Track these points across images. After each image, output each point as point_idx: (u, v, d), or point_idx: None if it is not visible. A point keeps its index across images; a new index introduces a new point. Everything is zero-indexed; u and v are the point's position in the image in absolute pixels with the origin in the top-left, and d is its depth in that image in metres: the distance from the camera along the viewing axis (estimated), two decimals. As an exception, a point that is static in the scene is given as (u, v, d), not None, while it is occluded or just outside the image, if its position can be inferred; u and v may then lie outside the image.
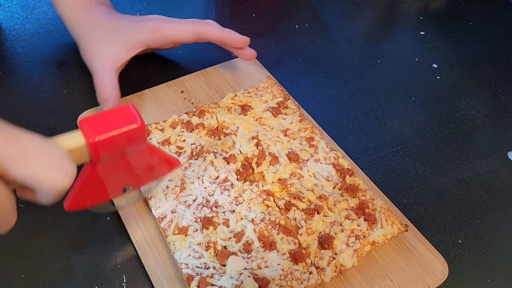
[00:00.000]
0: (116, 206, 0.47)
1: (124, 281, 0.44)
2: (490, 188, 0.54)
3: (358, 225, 0.47)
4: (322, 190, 0.50)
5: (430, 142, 0.58)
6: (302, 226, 0.46)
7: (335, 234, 0.46)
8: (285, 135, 0.55)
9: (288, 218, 0.47)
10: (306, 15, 0.78)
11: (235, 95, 0.59)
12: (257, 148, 0.52)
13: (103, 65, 0.56)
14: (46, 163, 0.31)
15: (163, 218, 0.46)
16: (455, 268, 0.47)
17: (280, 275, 0.43)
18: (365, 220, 0.47)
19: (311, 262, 0.44)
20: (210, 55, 0.66)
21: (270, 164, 0.51)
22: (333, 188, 0.50)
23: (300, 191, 0.50)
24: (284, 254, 0.44)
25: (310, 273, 0.43)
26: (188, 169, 0.50)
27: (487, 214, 0.52)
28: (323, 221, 0.47)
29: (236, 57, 0.64)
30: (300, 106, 0.59)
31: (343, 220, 0.47)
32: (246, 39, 0.60)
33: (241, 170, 0.50)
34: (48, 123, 0.57)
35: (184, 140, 0.53)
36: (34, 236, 0.47)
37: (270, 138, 0.54)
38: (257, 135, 0.54)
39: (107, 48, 0.57)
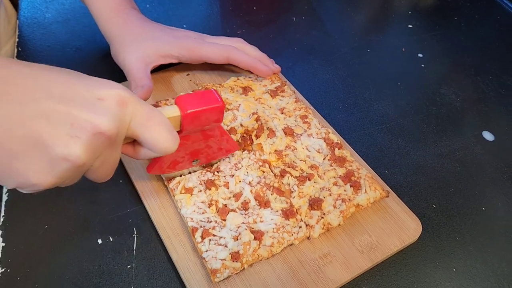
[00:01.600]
0: None
1: (135, 233, 0.50)
2: (465, 162, 0.60)
3: (345, 191, 0.52)
4: (314, 161, 0.56)
5: (412, 122, 0.64)
6: (295, 191, 0.52)
7: (324, 197, 0.52)
8: (282, 113, 0.61)
9: (282, 183, 0.53)
10: (303, 9, 0.84)
11: (238, 79, 0.65)
12: (257, 123, 0.58)
13: (137, 63, 0.59)
14: (165, 130, 0.40)
15: (171, 180, 0.52)
16: (428, 228, 0.53)
17: (273, 229, 0.49)
18: (351, 186, 0.53)
19: (301, 218, 0.50)
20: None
21: (268, 137, 0.57)
22: (323, 159, 0.56)
23: (293, 161, 0.55)
24: (277, 211, 0.50)
25: (300, 227, 0.49)
26: (192, 140, 0.56)
27: (460, 184, 0.57)
28: (313, 186, 0.53)
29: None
30: (295, 91, 0.65)
31: (331, 186, 0.53)
32: (271, 71, 0.64)
33: (240, 141, 0.56)
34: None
35: (189, 115, 0.59)
36: (56, 194, 0.53)
37: (268, 115, 0.60)
38: (257, 112, 0.60)
39: (141, 48, 0.60)
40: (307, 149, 0.57)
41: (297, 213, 0.50)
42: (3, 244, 0.48)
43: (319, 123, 0.60)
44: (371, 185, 0.53)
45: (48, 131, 0.33)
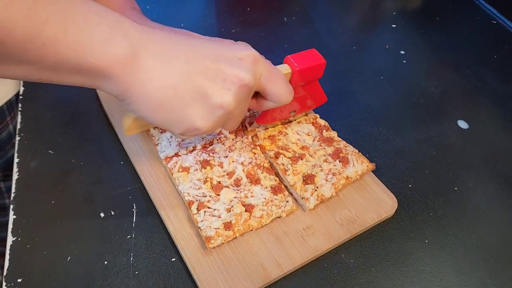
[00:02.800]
0: None
1: (134, 208, 0.55)
2: (440, 147, 0.65)
3: (334, 166, 0.57)
4: (304, 142, 0.60)
5: (393, 111, 0.69)
6: (289, 169, 0.57)
7: (316, 173, 0.56)
8: None
9: (277, 163, 0.57)
10: (294, 10, 0.89)
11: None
12: (249, 111, 0.63)
13: None
14: (284, 83, 0.49)
15: (169, 160, 0.57)
16: (404, 205, 0.57)
17: (263, 202, 0.53)
18: (340, 161, 0.57)
19: (288, 194, 0.55)
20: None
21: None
22: (313, 141, 0.61)
23: (286, 144, 0.60)
24: (266, 187, 0.55)
25: (287, 201, 0.54)
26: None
27: (435, 166, 0.62)
28: (305, 164, 0.57)
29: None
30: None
31: (322, 163, 0.57)
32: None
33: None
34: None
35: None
36: (62, 174, 0.58)
37: None
38: None
39: None
40: (297, 133, 0.61)
41: (286, 189, 0.55)
42: (14, 217, 0.53)
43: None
44: (358, 159, 0.58)
45: (208, 84, 0.42)
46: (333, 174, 0.56)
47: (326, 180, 0.56)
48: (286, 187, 0.57)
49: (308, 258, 0.51)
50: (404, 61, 0.79)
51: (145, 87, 0.41)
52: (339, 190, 0.56)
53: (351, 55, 0.79)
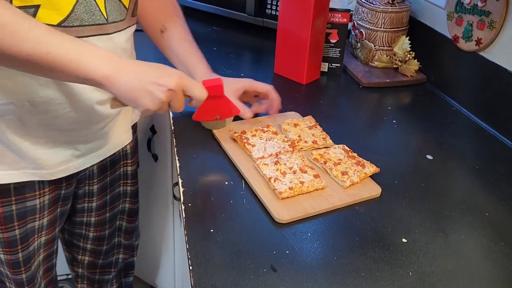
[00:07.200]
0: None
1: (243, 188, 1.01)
2: (415, 168, 1.10)
3: (358, 167, 1.03)
4: (339, 158, 1.08)
5: (398, 165, 1.15)
6: (333, 168, 1.03)
7: (348, 171, 1.02)
8: (313, 135, 1.16)
9: (326, 166, 1.04)
10: (326, 110, 1.41)
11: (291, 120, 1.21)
12: (299, 137, 1.15)
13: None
14: (197, 90, 0.90)
15: (258, 159, 1.05)
16: (393, 190, 1.01)
17: (309, 180, 0.99)
18: (360, 166, 1.04)
19: (323, 179, 1.00)
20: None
21: (304, 143, 1.13)
22: (344, 157, 1.08)
23: (329, 158, 1.07)
24: (310, 175, 1.01)
25: (322, 181, 0.99)
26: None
27: (412, 176, 1.07)
28: (342, 166, 1.04)
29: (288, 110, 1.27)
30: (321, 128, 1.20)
31: (351, 166, 1.04)
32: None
33: (289, 145, 1.11)
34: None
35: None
36: (221, 208, 1.06)
37: (306, 135, 1.16)
38: (300, 135, 1.16)
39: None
40: (334, 153, 1.09)
41: (328, 176, 1.02)
42: (187, 240, 0.99)
43: (332, 142, 1.15)
44: (370, 165, 1.05)
45: (151, 87, 0.82)
46: (358, 171, 1.03)
47: (354, 173, 1.02)
48: (331, 177, 1.03)
49: (329, 207, 0.95)
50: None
51: (119, 88, 0.80)
52: (361, 179, 1.02)
53: (371, 135, 1.30)
